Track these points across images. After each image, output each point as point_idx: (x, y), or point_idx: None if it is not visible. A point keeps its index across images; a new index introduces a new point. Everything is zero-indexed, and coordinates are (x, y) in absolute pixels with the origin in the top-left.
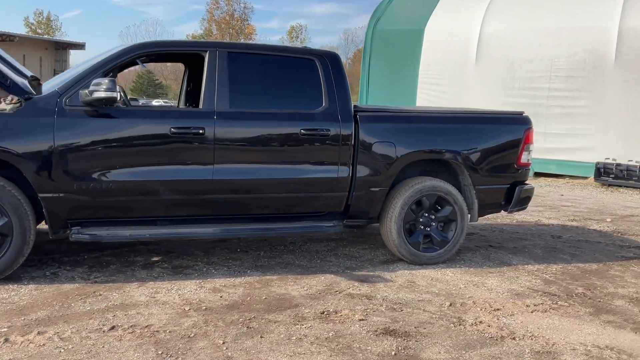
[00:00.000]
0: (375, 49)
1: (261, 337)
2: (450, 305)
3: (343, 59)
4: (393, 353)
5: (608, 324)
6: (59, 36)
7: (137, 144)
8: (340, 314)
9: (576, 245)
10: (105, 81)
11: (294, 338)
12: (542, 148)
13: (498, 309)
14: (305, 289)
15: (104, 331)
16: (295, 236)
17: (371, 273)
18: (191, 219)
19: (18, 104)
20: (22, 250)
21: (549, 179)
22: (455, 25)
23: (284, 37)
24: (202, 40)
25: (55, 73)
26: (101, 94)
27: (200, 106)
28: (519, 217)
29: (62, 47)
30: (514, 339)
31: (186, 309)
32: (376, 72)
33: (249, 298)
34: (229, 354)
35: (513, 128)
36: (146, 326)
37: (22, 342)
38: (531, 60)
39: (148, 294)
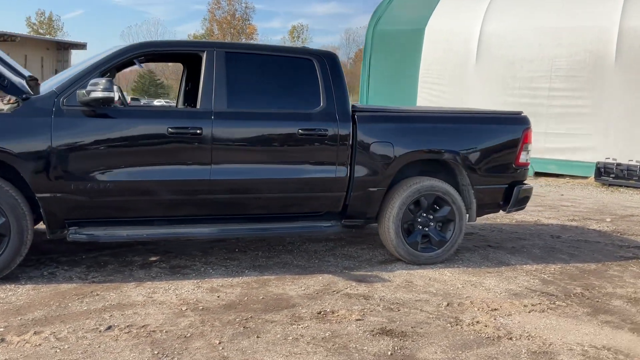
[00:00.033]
0: (375, 49)
1: (257, 337)
2: (448, 305)
3: (344, 59)
4: (389, 353)
5: (606, 324)
6: (60, 36)
7: (135, 144)
8: (337, 314)
9: (575, 245)
10: (102, 81)
11: (290, 338)
12: (542, 148)
13: (495, 309)
14: (302, 288)
15: (100, 331)
16: (293, 236)
17: (369, 273)
18: (189, 219)
19: (15, 104)
20: (19, 250)
21: (550, 179)
22: (455, 25)
23: (285, 36)
24: (199, 40)
25: (56, 73)
26: (98, 94)
27: (198, 106)
28: (518, 216)
29: (64, 47)
30: (510, 339)
31: (183, 309)
32: (377, 71)
33: (246, 298)
34: (225, 354)
35: (511, 128)
36: (143, 326)
37: (18, 342)
38: (531, 60)
39: (145, 293)
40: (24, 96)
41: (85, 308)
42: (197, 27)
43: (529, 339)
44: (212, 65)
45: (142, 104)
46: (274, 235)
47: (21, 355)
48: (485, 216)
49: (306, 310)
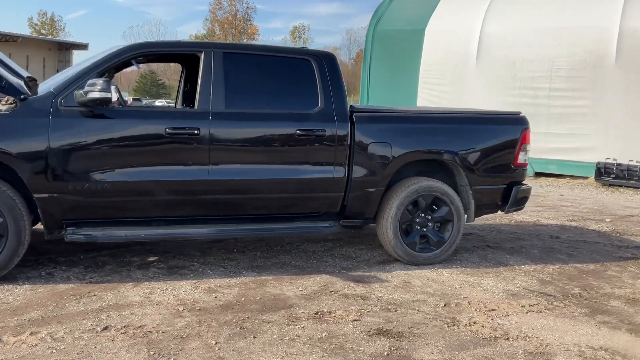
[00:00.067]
0: (376, 49)
1: (254, 337)
2: (445, 305)
3: (346, 59)
4: (385, 353)
5: (603, 324)
6: (62, 37)
7: (133, 145)
8: (334, 315)
9: (574, 245)
10: (100, 82)
11: (287, 338)
12: (542, 148)
13: (493, 310)
14: (300, 289)
15: (96, 331)
16: (292, 236)
17: (367, 273)
18: (187, 220)
19: (13, 105)
20: (17, 251)
21: (550, 179)
22: (455, 25)
23: (286, 37)
24: (198, 40)
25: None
26: (96, 95)
27: (196, 106)
28: (517, 217)
29: (66, 48)
30: (507, 339)
31: (180, 309)
32: (377, 72)
33: (243, 298)
34: (221, 354)
35: (510, 128)
36: (139, 326)
37: (14, 343)
38: (532, 60)
39: (143, 294)
40: (22, 97)
41: (82, 308)
42: (199, 27)
43: (526, 340)
44: (209, 66)
45: (143, 104)
46: (272, 236)
47: (17, 355)
48: (484, 216)
49: (303, 311)
